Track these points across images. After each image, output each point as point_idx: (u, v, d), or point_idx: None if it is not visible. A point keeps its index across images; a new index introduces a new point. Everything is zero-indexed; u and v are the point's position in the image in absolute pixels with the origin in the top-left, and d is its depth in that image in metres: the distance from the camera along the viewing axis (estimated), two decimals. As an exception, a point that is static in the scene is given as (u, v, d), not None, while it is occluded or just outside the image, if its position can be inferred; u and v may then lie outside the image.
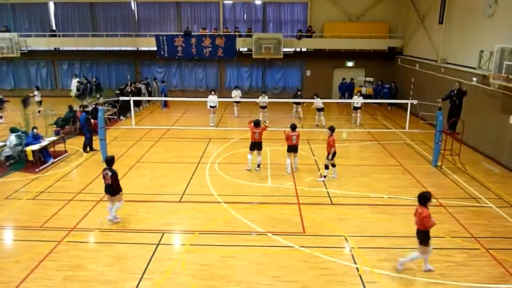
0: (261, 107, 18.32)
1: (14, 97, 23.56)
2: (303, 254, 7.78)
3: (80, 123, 14.68)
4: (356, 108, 18.26)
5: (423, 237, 6.89)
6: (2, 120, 18.22)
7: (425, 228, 6.81)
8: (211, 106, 17.26)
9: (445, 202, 10.16)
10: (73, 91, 23.60)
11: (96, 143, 14.26)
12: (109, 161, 8.82)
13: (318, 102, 17.15)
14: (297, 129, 11.99)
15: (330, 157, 11.28)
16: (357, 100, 17.83)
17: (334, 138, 11.22)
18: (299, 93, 19.24)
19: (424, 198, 6.86)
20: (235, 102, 19.24)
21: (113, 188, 8.72)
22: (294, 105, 19.36)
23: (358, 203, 10.10)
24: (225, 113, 20.73)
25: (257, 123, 12.12)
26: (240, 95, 19.06)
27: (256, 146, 12.16)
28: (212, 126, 17.49)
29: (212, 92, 16.97)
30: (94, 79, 23.51)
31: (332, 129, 11.31)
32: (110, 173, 8.62)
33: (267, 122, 18.06)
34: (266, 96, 18.23)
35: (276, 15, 24.82)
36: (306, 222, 9.08)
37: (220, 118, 19.25)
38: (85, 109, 14.39)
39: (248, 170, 12.29)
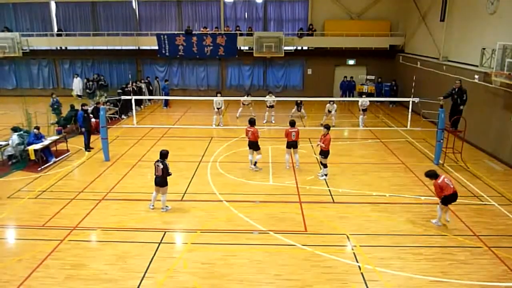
0: (268, 106, 18.28)
1: (15, 97, 23.76)
2: (304, 252, 7.78)
3: (78, 121, 14.72)
4: (363, 110, 17.38)
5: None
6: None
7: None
8: (217, 108, 17.15)
9: (447, 200, 10.13)
10: (75, 91, 23.68)
11: (96, 143, 14.31)
12: (163, 154, 9.30)
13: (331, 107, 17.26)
14: (296, 126, 12.01)
15: (320, 155, 11.49)
16: (365, 99, 16.94)
17: (330, 137, 11.27)
18: (299, 101, 19.25)
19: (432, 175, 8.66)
20: (243, 103, 19.27)
21: (162, 180, 9.24)
22: (295, 106, 19.34)
23: (360, 201, 10.09)
24: (227, 112, 20.72)
25: (251, 122, 12.09)
26: (251, 101, 19.06)
27: (250, 145, 12.16)
28: (220, 126, 17.40)
29: (218, 95, 16.94)
30: (102, 78, 23.53)
31: (328, 127, 11.32)
32: (161, 166, 9.14)
33: (273, 121, 18.03)
34: (273, 96, 18.20)
35: (277, 14, 24.77)
36: (308, 220, 9.08)
37: (222, 116, 19.22)
38: (83, 107, 14.41)
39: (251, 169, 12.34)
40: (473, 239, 8.26)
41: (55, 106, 17.74)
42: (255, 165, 12.26)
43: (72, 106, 17.18)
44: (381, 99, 22.34)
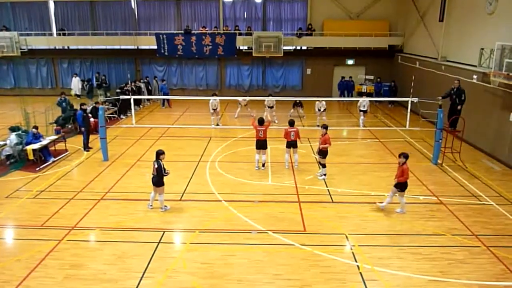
0: (269, 107, 18.23)
1: (14, 96, 23.71)
2: (303, 252, 7.79)
3: (78, 121, 14.72)
4: (363, 111, 17.17)
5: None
6: None
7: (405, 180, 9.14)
8: (213, 109, 17.13)
9: (445, 199, 10.17)
10: (74, 90, 23.63)
11: (95, 142, 14.29)
12: (157, 153, 9.30)
13: (321, 104, 17.21)
14: (295, 125, 12.02)
15: (318, 155, 11.55)
16: (364, 99, 16.90)
17: (329, 136, 11.29)
18: (297, 101, 19.36)
19: (408, 157, 9.26)
20: (240, 104, 19.36)
21: (157, 179, 9.21)
22: (293, 107, 19.45)
23: (359, 201, 10.10)
24: (226, 112, 20.73)
25: (260, 121, 12.12)
26: (246, 101, 19.14)
27: (258, 145, 12.16)
28: (218, 126, 17.40)
29: (214, 96, 16.93)
30: (103, 78, 23.51)
31: (325, 127, 11.35)
32: (156, 165, 9.14)
33: (276, 121, 18.01)
34: (272, 98, 18.17)
35: (276, 13, 24.79)
36: (307, 220, 9.08)
37: (220, 117, 19.23)
38: (82, 107, 14.40)
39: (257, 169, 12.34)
40: (471, 239, 8.28)
41: (64, 105, 17.70)
42: (263, 166, 12.30)
43: (71, 106, 17.17)
44: (380, 99, 22.38)
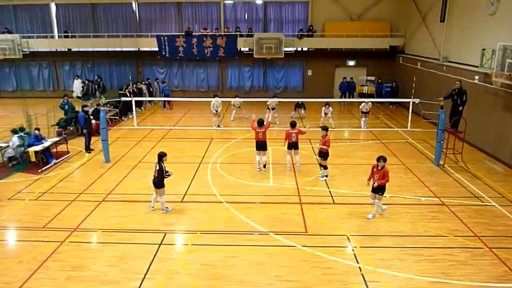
0: (271, 108, 18.21)
1: (15, 99, 23.78)
2: (305, 253, 7.78)
3: (79, 123, 14.77)
4: (365, 113, 17.27)
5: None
6: None
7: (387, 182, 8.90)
8: (215, 110, 17.14)
9: (447, 201, 10.14)
10: (76, 92, 23.68)
11: (97, 144, 14.32)
12: (159, 156, 9.31)
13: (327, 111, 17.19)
14: (296, 127, 12.01)
15: (319, 157, 11.53)
16: (367, 101, 16.79)
17: (329, 138, 11.27)
18: (300, 102, 19.39)
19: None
20: (234, 105, 19.43)
21: (157, 181, 9.22)
22: (295, 109, 19.50)
23: (360, 202, 10.08)
24: (227, 114, 20.74)
25: (260, 123, 12.13)
26: (240, 103, 19.15)
27: (258, 146, 12.16)
28: (219, 127, 17.42)
29: (216, 97, 16.93)
30: (98, 80, 23.51)
31: (325, 129, 11.34)
32: (157, 167, 9.15)
33: (277, 123, 17.98)
34: (276, 99, 18.17)
35: (277, 15, 24.80)
36: (308, 221, 9.07)
37: (221, 119, 19.25)
38: (84, 108, 14.43)
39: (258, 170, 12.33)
40: (473, 240, 8.25)
41: (66, 107, 17.76)
42: (264, 167, 12.29)
43: (72, 108, 17.21)
44: (381, 100, 22.36)
